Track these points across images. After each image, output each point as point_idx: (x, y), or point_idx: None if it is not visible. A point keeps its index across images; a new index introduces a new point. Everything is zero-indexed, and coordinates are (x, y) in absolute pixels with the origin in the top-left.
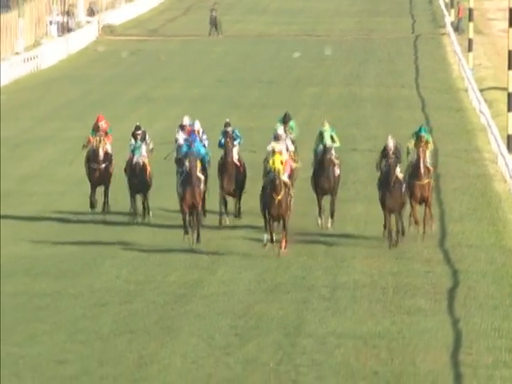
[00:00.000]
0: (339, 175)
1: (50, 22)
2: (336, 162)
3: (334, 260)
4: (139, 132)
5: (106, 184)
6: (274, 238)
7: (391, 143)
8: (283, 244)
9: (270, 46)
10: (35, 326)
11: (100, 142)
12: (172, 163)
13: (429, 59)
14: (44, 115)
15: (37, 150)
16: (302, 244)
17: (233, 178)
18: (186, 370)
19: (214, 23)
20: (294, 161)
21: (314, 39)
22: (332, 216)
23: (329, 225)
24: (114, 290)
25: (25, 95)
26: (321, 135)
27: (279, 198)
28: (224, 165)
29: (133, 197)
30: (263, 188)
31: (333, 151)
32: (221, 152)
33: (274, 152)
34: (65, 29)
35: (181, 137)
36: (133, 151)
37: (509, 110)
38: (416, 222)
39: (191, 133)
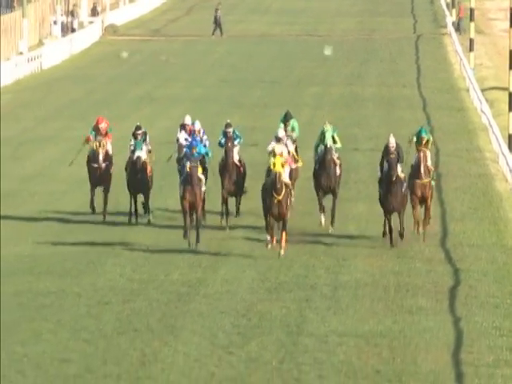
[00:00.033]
0: (340, 175)
1: (54, 22)
2: (337, 162)
3: (335, 259)
4: (139, 132)
5: (107, 185)
6: (275, 238)
7: (393, 140)
8: (283, 244)
9: (272, 46)
10: (39, 324)
11: (100, 146)
12: (174, 163)
13: (430, 59)
14: (47, 115)
15: (39, 149)
16: (304, 243)
17: (233, 178)
18: (188, 368)
19: (218, 23)
20: (296, 160)
21: (315, 39)
22: (333, 218)
23: (330, 231)
24: (117, 289)
25: (28, 95)
26: (322, 135)
27: (280, 198)
28: (225, 166)
29: (133, 197)
30: (264, 189)
31: (334, 151)
32: (221, 151)
33: (274, 154)
34: (68, 29)
35: (182, 136)
36: (133, 150)
37: (510, 110)
38: (417, 222)
39: (192, 133)
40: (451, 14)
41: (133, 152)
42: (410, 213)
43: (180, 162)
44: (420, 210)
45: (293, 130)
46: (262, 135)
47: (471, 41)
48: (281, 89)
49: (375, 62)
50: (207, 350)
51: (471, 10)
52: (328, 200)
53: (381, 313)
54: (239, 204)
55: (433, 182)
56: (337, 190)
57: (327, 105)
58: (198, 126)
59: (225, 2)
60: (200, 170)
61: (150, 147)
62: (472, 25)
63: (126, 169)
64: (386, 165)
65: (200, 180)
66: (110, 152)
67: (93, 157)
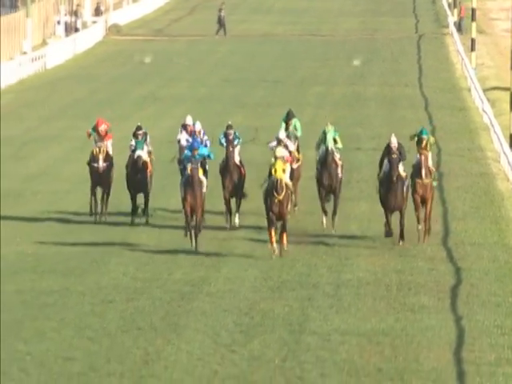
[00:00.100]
0: (341, 177)
1: (58, 22)
2: (339, 162)
3: (338, 258)
4: (140, 132)
5: (107, 186)
6: (276, 239)
7: (394, 140)
8: (284, 243)
9: (274, 46)
10: (42, 322)
11: (100, 151)
12: (176, 163)
13: (432, 59)
14: (50, 114)
15: (43, 148)
16: (306, 242)
17: (235, 179)
18: (191, 366)
19: (222, 23)
20: (297, 160)
21: (318, 39)
22: (333, 217)
23: (333, 231)
24: (120, 287)
25: (31, 94)
26: (324, 134)
27: (280, 198)
28: (226, 167)
29: (133, 197)
30: (266, 190)
31: (335, 153)
32: (222, 152)
33: (275, 158)
34: (72, 29)
35: (183, 138)
36: (134, 151)
37: (511, 110)
38: (418, 221)
39: (192, 134)
40: (453, 14)
41: (133, 151)
42: (411, 213)
43: (181, 162)
44: (422, 210)
45: (295, 128)
46: (265, 134)
47: (473, 41)
48: (284, 88)
49: (377, 62)
50: (210, 349)
51: (473, 10)
52: (329, 204)
53: (383, 311)
54: (239, 204)
55: (435, 183)
56: (338, 190)
57: (330, 104)
58: (198, 126)
59: (227, 1)
60: (201, 171)
61: (150, 148)
62: (474, 25)
63: (126, 166)
64: (386, 164)
65: (201, 182)
66: (111, 152)
67: (93, 158)
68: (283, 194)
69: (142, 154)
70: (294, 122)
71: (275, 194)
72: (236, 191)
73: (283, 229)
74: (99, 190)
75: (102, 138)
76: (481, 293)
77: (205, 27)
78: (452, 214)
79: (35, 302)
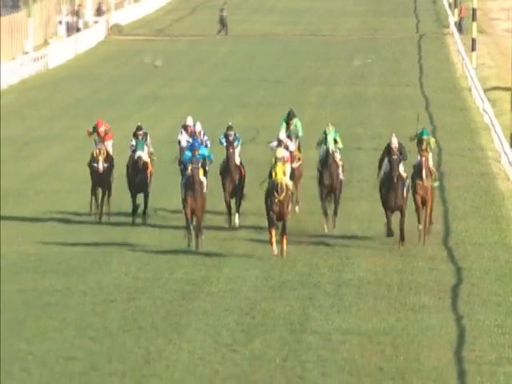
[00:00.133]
0: (342, 178)
1: (60, 22)
2: (339, 163)
3: (339, 257)
4: (140, 132)
5: (107, 187)
6: (276, 239)
7: (395, 140)
8: (284, 247)
9: (275, 46)
10: (44, 322)
11: (100, 153)
12: (177, 164)
13: (433, 58)
14: (52, 114)
15: (45, 148)
16: (307, 242)
17: (235, 180)
18: (193, 365)
19: (224, 23)
20: (298, 159)
21: (319, 39)
22: (334, 220)
23: (334, 231)
24: (122, 287)
25: (33, 94)
26: (324, 134)
27: (280, 198)
28: (226, 168)
29: (134, 197)
30: (267, 191)
31: (336, 153)
32: (222, 153)
33: (276, 159)
34: (73, 29)
35: (183, 139)
36: (134, 151)
37: None
38: (419, 221)
39: (193, 135)
40: (453, 14)
41: (134, 152)
42: (412, 213)
43: (182, 163)
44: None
45: (295, 127)
46: (265, 134)
47: (473, 40)
48: (284, 88)
49: (378, 62)
50: (211, 348)
51: (473, 10)
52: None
53: (384, 311)
54: (239, 205)
55: (436, 183)
56: (338, 190)
57: (331, 104)
58: (198, 127)
59: (229, 1)
60: (201, 171)
61: (151, 149)
62: (474, 25)
63: (127, 166)
64: (387, 164)
65: (201, 183)
66: (111, 153)
67: (93, 159)
68: (283, 194)
69: (143, 154)
70: (295, 121)
71: (275, 194)
72: (236, 192)
73: (283, 231)
74: (100, 191)
75: (101, 138)
76: (481, 292)
77: (206, 27)
78: (453, 213)
79: (37, 302)
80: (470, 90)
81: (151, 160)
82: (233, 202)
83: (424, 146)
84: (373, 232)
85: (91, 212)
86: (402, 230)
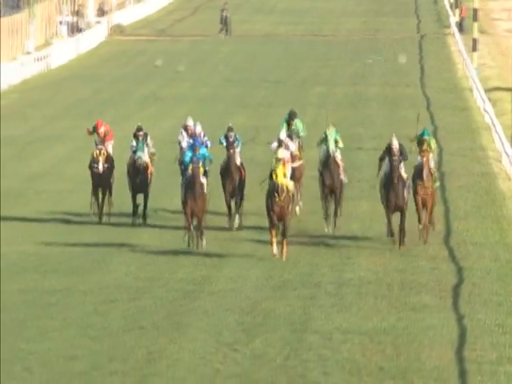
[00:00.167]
0: (343, 180)
1: (61, 22)
2: (340, 164)
3: (339, 257)
4: (141, 133)
5: (107, 188)
6: (277, 239)
7: (395, 142)
8: (284, 251)
9: (276, 46)
10: (45, 322)
11: (100, 154)
12: (177, 164)
13: (434, 59)
14: (54, 114)
15: (47, 148)
16: (308, 242)
17: (235, 181)
18: (194, 365)
19: (226, 23)
20: (299, 158)
21: (320, 39)
22: (334, 220)
23: (334, 231)
24: (123, 287)
25: (35, 94)
26: (325, 135)
27: (281, 199)
28: (227, 169)
29: (133, 197)
30: (267, 192)
31: (337, 153)
32: (223, 154)
33: (277, 160)
34: (75, 29)
35: (184, 140)
36: (135, 152)
37: None
38: (419, 221)
39: (193, 136)
40: (455, 14)
41: (134, 152)
42: (413, 213)
43: (182, 164)
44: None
45: (297, 127)
46: (266, 134)
47: (474, 41)
48: (285, 88)
49: (379, 62)
50: (212, 347)
51: (475, 10)
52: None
53: (385, 310)
54: (240, 206)
55: (437, 183)
56: (339, 191)
57: (331, 104)
58: (198, 129)
59: (230, 1)
60: (202, 169)
61: (153, 150)
62: (475, 25)
63: (128, 170)
64: (387, 164)
65: (202, 184)
66: (111, 154)
67: (94, 160)
68: (284, 195)
69: (143, 155)
70: (296, 122)
71: (276, 195)
72: (236, 193)
73: (284, 234)
74: (100, 192)
75: (101, 139)
76: (482, 292)
77: (207, 27)
78: (454, 213)
79: (38, 302)
80: (471, 90)
81: (151, 160)
82: (233, 202)
83: (425, 147)
84: (373, 232)
85: (92, 212)
86: (402, 230)
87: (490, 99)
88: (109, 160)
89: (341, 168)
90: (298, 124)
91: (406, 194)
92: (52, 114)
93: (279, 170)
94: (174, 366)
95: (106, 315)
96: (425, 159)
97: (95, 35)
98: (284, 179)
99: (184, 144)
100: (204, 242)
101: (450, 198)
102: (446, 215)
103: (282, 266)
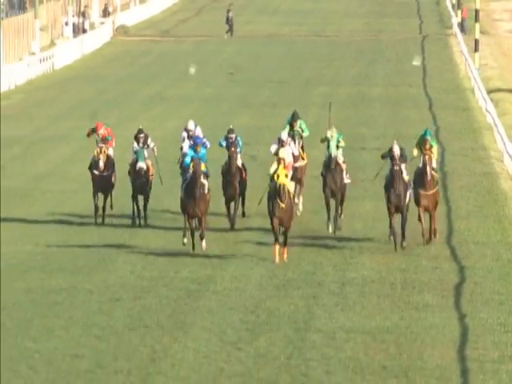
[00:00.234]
0: (346, 183)
1: (66, 23)
2: (343, 166)
3: (343, 256)
4: (141, 135)
5: (108, 192)
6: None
7: (397, 148)
8: (285, 255)
9: (280, 47)
10: (51, 320)
11: (101, 152)
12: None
13: (436, 59)
14: (59, 114)
15: (51, 148)
16: (311, 241)
17: (237, 183)
18: (198, 364)
19: (230, 24)
20: (302, 158)
21: (323, 40)
22: (336, 221)
23: (337, 232)
24: (128, 286)
25: (40, 94)
26: (327, 139)
27: (283, 205)
28: (228, 170)
29: (135, 198)
30: (269, 195)
31: (339, 155)
32: (224, 155)
33: (278, 160)
34: (79, 30)
35: (186, 145)
36: (136, 156)
37: None
38: (419, 219)
39: (194, 137)
40: (456, 15)
41: (136, 159)
42: (413, 213)
43: (182, 165)
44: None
45: (300, 128)
46: (270, 134)
47: (476, 41)
48: (289, 89)
49: (382, 63)
50: (216, 346)
51: (476, 11)
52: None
53: (387, 309)
54: (243, 206)
55: (437, 177)
56: (341, 195)
57: (335, 104)
58: (198, 131)
59: (234, 2)
60: (203, 166)
61: (152, 146)
62: (477, 26)
63: (129, 173)
64: (390, 164)
65: (203, 185)
66: (113, 159)
67: (94, 164)
68: (286, 200)
69: (143, 165)
70: (300, 123)
71: (278, 200)
72: (238, 195)
73: (285, 240)
74: (102, 195)
75: (102, 140)
76: (484, 291)
77: (211, 28)
78: (455, 212)
79: (44, 301)
80: (472, 90)
81: (152, 164)
82: (232, 203)
83: (427, 146)
84: (376, 231)
85: (95, 216)
86: (403, 231)
87: (491, 99)
88: (110, 164)
89: (344, 171)
90: (301, 125)
91: (407, 197)
92: (56, 114)
93: (281, 171)
94: (178, 365)
95: (110, 314)
96: (427, 157)
97: (99, 36)
98: (285, 179)
99: (186, 149)
100: (204, 243)
101: (451, 197)
102: (448, 215)
103: (285, 265)
